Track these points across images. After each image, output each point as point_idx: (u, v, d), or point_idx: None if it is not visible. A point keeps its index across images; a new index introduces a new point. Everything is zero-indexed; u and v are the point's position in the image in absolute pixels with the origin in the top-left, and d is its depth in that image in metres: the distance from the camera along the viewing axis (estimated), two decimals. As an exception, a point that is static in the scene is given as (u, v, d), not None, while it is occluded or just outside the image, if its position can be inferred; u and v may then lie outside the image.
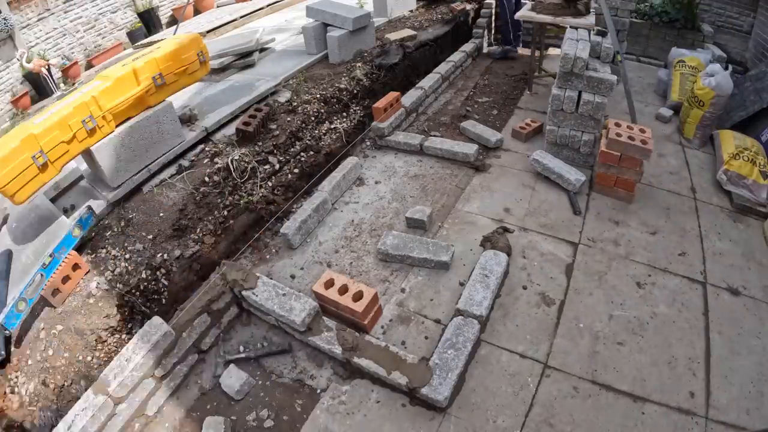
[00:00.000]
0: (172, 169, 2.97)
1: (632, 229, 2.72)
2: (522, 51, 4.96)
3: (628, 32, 4.36)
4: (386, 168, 3.38)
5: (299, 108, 3.55)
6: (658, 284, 2.37)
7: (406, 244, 2.54)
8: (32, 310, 2.23)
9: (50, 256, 2.06)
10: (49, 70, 6.72)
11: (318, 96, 3.70)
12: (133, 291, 2.34)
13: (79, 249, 2.53)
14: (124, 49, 7.78)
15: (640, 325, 2.17)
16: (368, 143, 3.67)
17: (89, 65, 7.54)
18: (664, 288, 2.35)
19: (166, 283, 2.46)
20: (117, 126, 2.67)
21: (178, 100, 3.53)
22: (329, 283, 2.21)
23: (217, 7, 8.37)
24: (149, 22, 8.28)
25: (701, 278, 2.41)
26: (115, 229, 2.60)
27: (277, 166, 3.16)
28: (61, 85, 6.95)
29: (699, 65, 3.91)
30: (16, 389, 2.05)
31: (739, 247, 2.61)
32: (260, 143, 3.20)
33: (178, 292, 2.54)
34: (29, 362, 2.14)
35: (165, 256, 2.53)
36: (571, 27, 3.44)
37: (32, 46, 6.86)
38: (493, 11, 5.35)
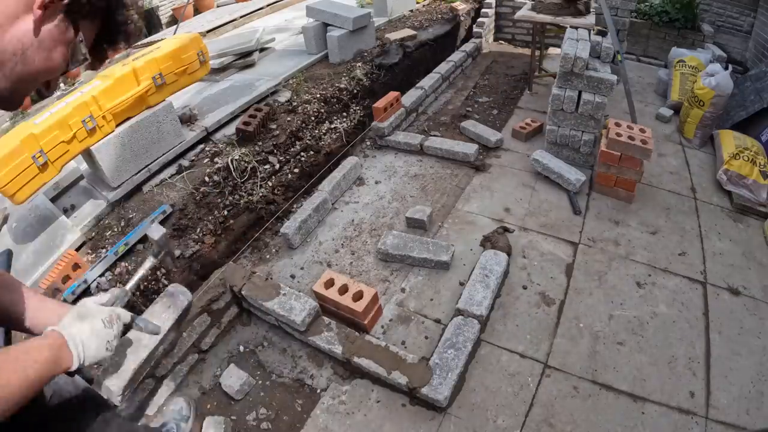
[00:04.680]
0: (172, 169, 2.97)
1: (632, 228, 2.72)
2: (522, 50, 4.96)
3: (628, 32, 4.36)
4: (386, 168, 3.38)
5: (299, 108, 3.55)
6: (658, 284, 2.38)
7: (406, 243, 2.54)
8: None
9: None
10: (49, 69, 6.71)
11: (318, 96, 3.70)
12: (133, 291, 2.33)
13: (79, 249, 2.53)
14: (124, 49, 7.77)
15: (640, 325, 2.17)
16: (368, 143, 3.67)
17: (89, 65, 7.53)
18: (664, 288, 2.36)
19: (166, 283, 2.46)
20: (117, 126, 2.67)
21: (178, 100, 3.52)
22: (329, 283, 2.21)
23: (217, 6, 8.37)
24: (149, 21, 8.28)
25: (701, 278, 2.41)
26: (116, 229, 2.60)
27: (277, 166, 3.16)
28: (61, 84, 6.95)
29: (699, 65, 3.91)
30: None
31: (739, 247, 2.61)
32: (260, 143, 3.20)
33: (178, 291, 2.54)
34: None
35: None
36: (571, 27, 3.44)
37: (32, 46, 6.86)
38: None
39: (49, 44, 0.77)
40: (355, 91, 3.93)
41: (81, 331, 0.95)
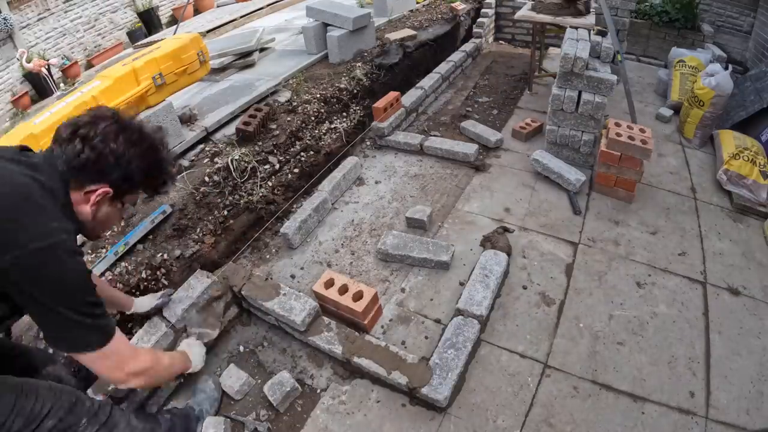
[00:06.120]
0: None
1: (632, 228, 2.72)
2: (522, 50, 4.96)
3: (628, 32, 4.36)
4: (386, 168, 3.38)
5: (299, 108, 3.55)
6: (658, 284, 2.38)
7: (406, 243, 2.54)
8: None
9: None
10: (49, 69, 6.73)
11: (318, 96, 3.70)
12: (134, 291, 2.33)
13: (79, 249, 2.53)
14: (124, 48, 7.79)
15: (640, 324, 2.17)
16: (368, 143, 3.67)
17: (89, 65, 7.55)
18: (664, 288, 2.36)
19: (166, 283, 2.46)
20: (117, 126, 2.67)
21: (178, 100, 3.52)
22: (329, 283, 2.21)
23: (217, 6, 8.38)
24: (149, 21, 8.30)
25: (701, 278, 2.41)
26: (115, 229, 2.59)
27: (277, 166, 3.16)
28: (61, 84, 6.96)
29: (699, 65, 3.92)
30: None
31: (739, 247, 2.61)
32: (260, 143, 3.19)
33: (178, 291, 2.54)
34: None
35: (165, 255, 2.53)
36: (571, 27, 3.44)
37: (32, 46, 6.87)
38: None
39: (103, 216, 1.30)
40: (355, 91, 3.93)
41: (196, 353, 1.85)
